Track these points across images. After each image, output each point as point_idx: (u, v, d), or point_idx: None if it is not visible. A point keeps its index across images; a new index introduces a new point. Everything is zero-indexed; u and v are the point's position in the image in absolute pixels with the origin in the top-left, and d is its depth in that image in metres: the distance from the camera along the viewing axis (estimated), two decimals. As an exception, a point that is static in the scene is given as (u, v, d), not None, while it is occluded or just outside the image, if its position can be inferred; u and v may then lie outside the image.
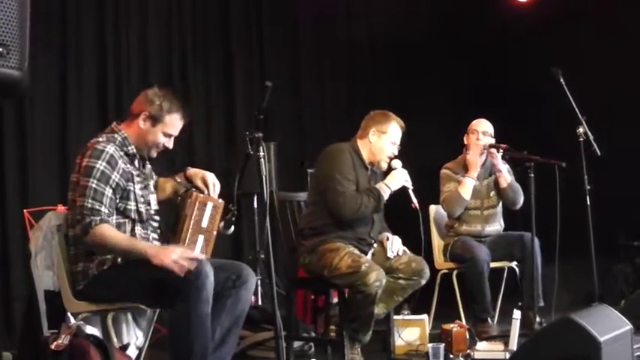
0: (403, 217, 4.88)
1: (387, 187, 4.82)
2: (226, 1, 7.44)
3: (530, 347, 3.85)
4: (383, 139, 4.94)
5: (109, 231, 3.78)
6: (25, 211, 5.34)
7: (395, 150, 4.97)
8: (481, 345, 5.10)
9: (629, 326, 3.82)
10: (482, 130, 6.03)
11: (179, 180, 4.20)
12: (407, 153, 8.25)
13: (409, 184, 4.87)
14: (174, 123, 4.01)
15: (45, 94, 6.12)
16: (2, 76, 2.13)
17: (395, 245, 4.96)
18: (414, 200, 4.84)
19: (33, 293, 4.69)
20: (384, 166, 4.96)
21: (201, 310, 3.65)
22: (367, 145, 4.96)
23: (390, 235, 5.04)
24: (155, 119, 3.96)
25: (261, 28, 7.70)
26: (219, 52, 7.38)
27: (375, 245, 4.99)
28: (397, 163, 4.93)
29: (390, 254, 4.91)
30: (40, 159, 6.09)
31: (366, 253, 4.86)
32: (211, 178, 4.12)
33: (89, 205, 3.76)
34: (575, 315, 3.63)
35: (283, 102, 7.46)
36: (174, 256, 3.67)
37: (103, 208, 3.78)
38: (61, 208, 4.99)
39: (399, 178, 4.86)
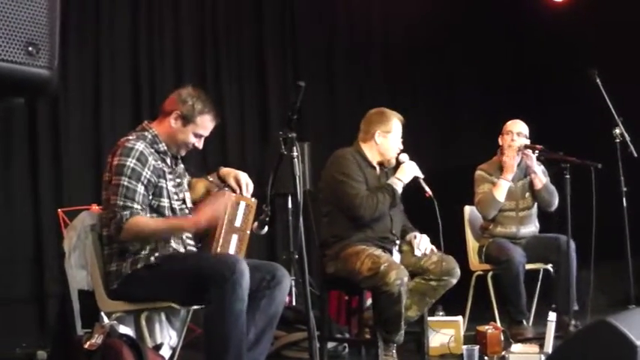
0: (430, 217, 4.85)
1: (398, 181, 4.87)
2: (259, 1, 7.44)
3: (566, 350, 3.79)
4: (389, 138, 4.99)
5: (141, 220, 3.81)
6: (59, 210, 5.38)
7: (400, 145, 5.02)
8: (516, 347, 5.05)
9: (666, 330, 3.76)
10: (517, 131, 5.99)
11: (212, 179, 4.21)
12: (443, 154, 8.31)
13: (420, 174, 4.91)
14: (205, 124, 4.03)
15: (79, 93, 6.16)
16: (32, 76, 2.12)
17: (423, 244, 4.96)
18: (427, 189, 4.86)
19: (67, 292, 4.71)
20: (394, 162, 5.01)
21: (236, 307, 3.66)
22: (374, 147, 5.00)
23: (417, 233, 5.05)
24: (187, 119, 3.97)
25: (295, 27, 7.70)
26: (252, 51, 7.38)
27: (398, 242, 4.99)
28: (404, 157, 4.99)
29: (417, 252, 4.92)
30: (75, 159, 6.13)
31: (391, 251, 4.87)
32: (244, 177, 4.13)
33: (121, 203, 3.78)
34: (611, 318, 3.58)
35: (317, 102, 7.46)
36: (210, 211, 3.83)
37: (135, 205, 3.80)
38: (95, 207, 5.01)
39: (409, 170, 4.90)
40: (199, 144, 4.08)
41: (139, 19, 6.56)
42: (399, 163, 4.99)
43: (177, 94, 4.03)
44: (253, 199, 4.07)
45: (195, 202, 4.17)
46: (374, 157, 5.00)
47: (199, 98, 4.01)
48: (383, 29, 8.39)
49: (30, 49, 2.08)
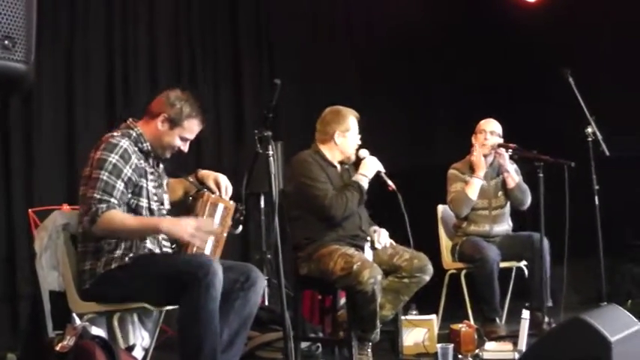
0: (398, 212, 4.85)
1: (363, 177, 4.91)
2: (234, 1, 7.41)
3: (541, 347, 3.82)
4: (348, 137, 5.03)
5: (117, 215, 3.77)
6: (30, 210, 5.32)
7: (358, 140, 5.06)
8: (490, 345, 5.07)
9: (639, 326, 3.79)
10: (490, 130, 6.02)
11: (191, 180, 4.19)
12: (416, 153, 8.32)
13: (382, 169, 4.94)
14: (192, 128, 4.02)
15: (52, 93, 6.09)
16: (8, 70, 2.09)
17: (382, 238, 5.01)
18: (390, 183, 4.89)
19: (38, 294, 4.66)
20: (354, 157, 5.05)
21: (210, 307, 3.65)
22: (334, 147, 5.04)
23: (377, 227, 5.10)
24: (174, 122, 3.96)
25: (270, 26, 7.67)
26: (227, 51, 7.35)
27: (369, 239, 5.00)
28: (364, 152, 5.04)
29: (377, 246, 4.96)
30: (46, 158, 6.06)
31: (362, 248, 4.89)
32: (224, 180, 4.12)
33: (98, 197, 3.75)
34: (585, 315, 3.60)
35: (290, 101, 7.43)
36: (191, 230, 3.72)
37: (112, 199, 3.76)
38: (66, 207, 4.96)
39: (372, 165, 4.95)
40: (185, 147, 4.07)
41: (114, 18, 6.49)
42: (358, 159, 5.03)
43: (166, 97, 4.00)
44: (232, 202, 4.05)
45: (173, 204, 4.15)
46: (334, 157, 5.05)
47: (187, 102, 3.99)
48: (357, 29, 8.38)
49: (6, 42, 2.05)
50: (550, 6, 7.97)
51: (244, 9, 7.47)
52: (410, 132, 8.55)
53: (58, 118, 6.17)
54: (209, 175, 4.14)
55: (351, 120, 5.03)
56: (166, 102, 3.97)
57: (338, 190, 4.84)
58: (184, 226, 3.74)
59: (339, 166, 5.06)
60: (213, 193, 4.03)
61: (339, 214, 4.80)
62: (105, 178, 3.77)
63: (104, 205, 3.73)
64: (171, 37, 6.93)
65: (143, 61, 6.68)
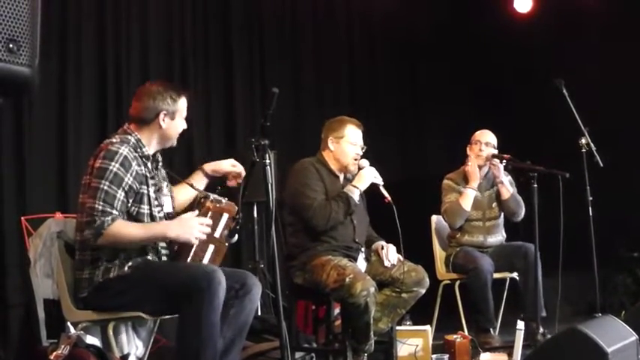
0: (395, 227, 4.82)
1: (354, 188, 4.86)
2: (227, 6, 7.40)
3: (537, 358, 3.82)
4: (342, 144, 5.00)
5: (123, 226, 3.74)
6: (22, 218, 5.28)
7: (358, 150, 5.01)
8: (484, 356, 5.07)
9: (634, 337, 3.82)
10: (486, 141, 6.02)
11: (193, 182, 4.19)
12: (409, 164, 8.32)
13: (378, 180, 4.90)
14: (185, 105, 4.06)
15: (43, 99, 6.05)
16: (12, 73, 2.08)
17: (391, 254, 4.96)
18: (386, 195, 4.85)
19: (31, 302, 4.64)
20: (354, 169, 5.00)
21: (212, 317, 3.63)
22: (330, 154, 5.03)
23: (384, 243, 5.05)
24: (173, 113, 3.98)
25: (262, 33, 7.66)
26: (218, 59, 7.33)
27: (362, 249, 4.99)
28: (364, 163, 4.98)
29: (387, 263, 4.92)
30: (38, 166, 6.02)
31: (355, 259, 4.87)
32: (238, 165, 4.26)
33: (100, 207, 3.70)
34: (581, 325, 3.61)
35: (283, 110, 7.42)
36: (197, 233, 3.79)
37: (113, 211, 3.73)
38: (59, 215, 4.93)
39: (367, 177, 4.90)
40: (185, 124, 4.10)
41: (106, 28, 6.47)
42: (359, 169, 4.98)
43: (152, 98, 3.97)
44: (237, 208, 4.02)
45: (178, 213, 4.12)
46: (333, 165, 5.02)
47: (168, 87, 4.03)
48: (349, 37, 8.38)
49: (11, 45, 2.03)
50: (544, 16, 8.00)
51: (236, 15, 7.45)
52: (403, 142, 8.56)
53: (50, 127, 6.13)
54: (220, 166, 4.26)
55: (348, 128, 5.01)
56: (154, 102, 3.95)
57: (325, 200, 4.82)
58: (191, 231, 3.78)
59: (341, 177, 5.05)
60: (219, 201, 4.00)
61: (322, 224, 4.78)
62: (106, 187, 3.73)
63: (109, 218, 3.69)
64: (162, 46, 6.90)
65: (135, 69, 6.65)
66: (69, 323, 3.73)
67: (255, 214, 6.66)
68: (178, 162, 6.69)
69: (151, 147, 4.00)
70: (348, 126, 5.02)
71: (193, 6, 7.15)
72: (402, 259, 4.95)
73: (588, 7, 7.61)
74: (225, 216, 3.97)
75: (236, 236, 4.00)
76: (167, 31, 6.94)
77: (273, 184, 3.63)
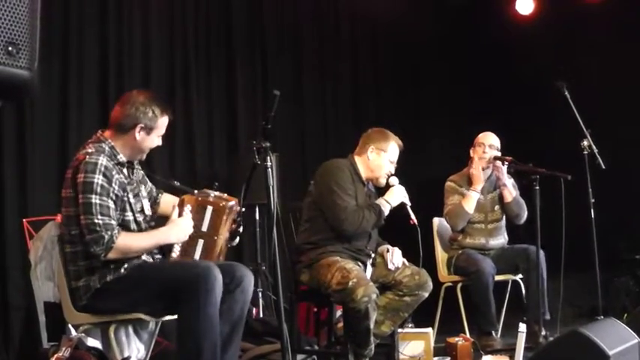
0: (403, 230, 4.84)
1: (387, 203, 4.88)
2: (229, 10, 7.39)
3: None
4: (382, 157, 5.00)
5: (129, 238, 3.77)
6: (24, 220, 5.29)
7: (392, 168, 5.03)
8: (486, 359, 5.06)
9: (636, 340, 3.81)
10: (489, 143, 6.01)
11: (176, 184, 4.22)
12: (411, 165, 8.30)
13: (407, 201, 4.91)
14: (165, 124, 4.01)
15: (45, 102, 6.05)
16: (12, 77, 2.07)
17: (395, 257, 4.96)
18: (413, 217, 4.86)
19: (32, 304, 4.64)
20: (383, 182, 5.02)
21: (210, 312, 3.64)
22: (365, 161, 5.01)
23: (389, 247, 5.05)
24: (150, 128, 3.93)
25: (264, 36, 7.65)
26: (221, 62, 7.32)
27: (372, 256, 4.99)
28: (394, 180, 4.99)
29: (391, 266, 4.92)
30: (40, 168, 6.02)
31: (364, 264, 4.88)
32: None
33: (100, 222, 3.69)
34: (583, 328, 3.60)
35: (285, 112, 7.42)
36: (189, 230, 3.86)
37: (113, 222, 3.73)
38: (60, 218, 4.93)
39: (398, 195, 4.92)
40: (160, 142, 4.05)
41: (108, 30, 6.47)
42: (387, 186, 4.99)
43: (134, 107, 3.91)
44: (231, 203, 4.00)
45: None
46: (364, 172, 5.01)
47: (154, 102, 3.96)
48: (351, 40, 8.38)
49: (10, 48, 2.03)
50: (546, 19, 8.00)
51: (238, 19, 7.45)
52: (405, 144, 8.52)
53: (52, 129, 6.13)
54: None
55: (391, 144, 5.03)
56: (136, 112, 3.90)
57: (359, 207, 4.82)
58: (187, 230, 3.87)
59: (365, 185, 5.04)
60: (206, 195, 4.00)
61: (352, 230, 4.78)
62: (98, 201, 3.71)
63: (115, 231, 3.71)
64: (164, 48, 6.90)
65: (137, 72, 6.65)
66: (70, 326, 3.74)
67: (257, 217, 6.66)
68: (180, 163, 6.70)
69: (124, 156, 3.96)
70: (392, 143, 5.04)
71: (195, 7, 7.14)
72: (406, 262, 4.97)
73: (590, 9, 7.62)
74: (209, 209, 3.94)
75: (237, 239, 4.00)
76: (169, 33, 6.94)
77: (274, 187, 3.62)
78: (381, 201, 4.88)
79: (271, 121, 3.66)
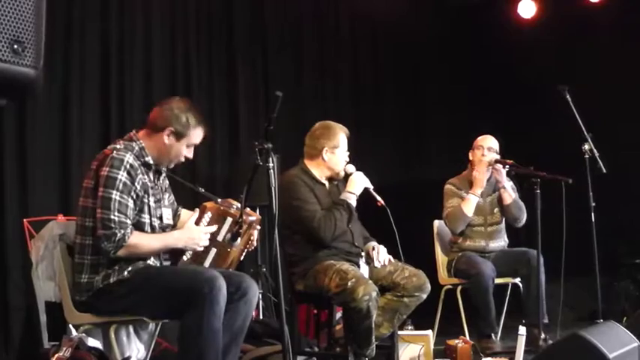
0: (389, 228, 4.83)
1: (351, 194, 4.88)
2: (230, 11, 7.40)
3: (540, 363, 3.82)
4: (337, 154, 4.99)
5: (141, 239, 3.77)
6: (25, 220, 5.28)
7: (346, 156, 5.02)
8: (486, 361, 5.07)
9: (636, 343, 3.81)
10: (488, 146, 6.02)
11: (202, 190, 4.21)
12: (411, 169, 8.32)
13: (369, 184, 4.91)
14: (198, 136, 4.01)
15: (46, 102, 6.05)
16: (17, 75, 2.06)
17: (381, 255, 4.97)
18: (378, 198, 4.86)
19: (33, 304, 4.64)
20: (342, 174, 5.01)
21: (213, 323, 3.61)
22: (322, 164, 4.99)
23: (375, 244, 5.05)
24: (181, 135, 3.93)
25: (265, 38, 7.66)
26: (222, 62, 7.32)
27: (363, 253, 4.99)
28: (351, 168, 5.00)
29: (377, 264, 4.92)
30: (41, 168, 6.02)
31: (357, 263, 4.87)
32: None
33: (116, 219, 3.69)
34: (583, 331, 3.60)
35: (285, 113, 7.41)
36: (204, 242, 3.87)
37: (128, 220, 3.73)
38: (61, 217, 4.94)
39: (359, 182, 4.91)
40: (190, 154, 4.05)
41: (110, 28, 6.46)
42: (347, 175, 4.98)
43: (169, 109, 3.94)
44: (252, 218, 4.01)
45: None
46: (322, 174, 5.01)
47: (191, 111, 3.96)
48: (351, 40, 8.39)
49: (15, 47, 2.02)
50: (547, 21, 8.01)
51: (239, 18, 7.45)
52: (405, 147, 8.55)
53: (52, 129, 6.13)
54: None
55: (340, 136, 4.99)
56: (171, 115, 3.91)
57: (326, 210, 4.81)
58: (196, 241, 3.84)
59: (327, 184, 5.04)
60: (228, 205, 4.00)
61: (329, 236, 4.77)
62: (118, 197, 3.71)
63: (128, 230, 3.71)
64: (166, 47, 6.90)
65: (138, 71, 6.65)
66: (70, 326, 3.73)
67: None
68: (180, 163, 6.69)
69: (152, 158, 3.96)
70: (340, 134, 5.00)
71: (197, 6, 7.15)
72: (392, 259, 4.96)
73: (592, 11, 7.63)
74: (229, 220, 3.95)
75: (238, 240, 3.99)
76: (171, 33, 6.94)
77: (276, 188, 3.62)
78: (345, 195, 4.87)
79: (273, 123, 3.66)
